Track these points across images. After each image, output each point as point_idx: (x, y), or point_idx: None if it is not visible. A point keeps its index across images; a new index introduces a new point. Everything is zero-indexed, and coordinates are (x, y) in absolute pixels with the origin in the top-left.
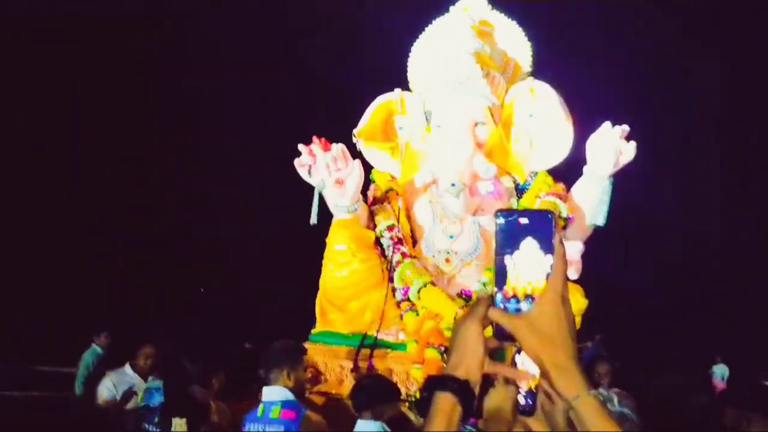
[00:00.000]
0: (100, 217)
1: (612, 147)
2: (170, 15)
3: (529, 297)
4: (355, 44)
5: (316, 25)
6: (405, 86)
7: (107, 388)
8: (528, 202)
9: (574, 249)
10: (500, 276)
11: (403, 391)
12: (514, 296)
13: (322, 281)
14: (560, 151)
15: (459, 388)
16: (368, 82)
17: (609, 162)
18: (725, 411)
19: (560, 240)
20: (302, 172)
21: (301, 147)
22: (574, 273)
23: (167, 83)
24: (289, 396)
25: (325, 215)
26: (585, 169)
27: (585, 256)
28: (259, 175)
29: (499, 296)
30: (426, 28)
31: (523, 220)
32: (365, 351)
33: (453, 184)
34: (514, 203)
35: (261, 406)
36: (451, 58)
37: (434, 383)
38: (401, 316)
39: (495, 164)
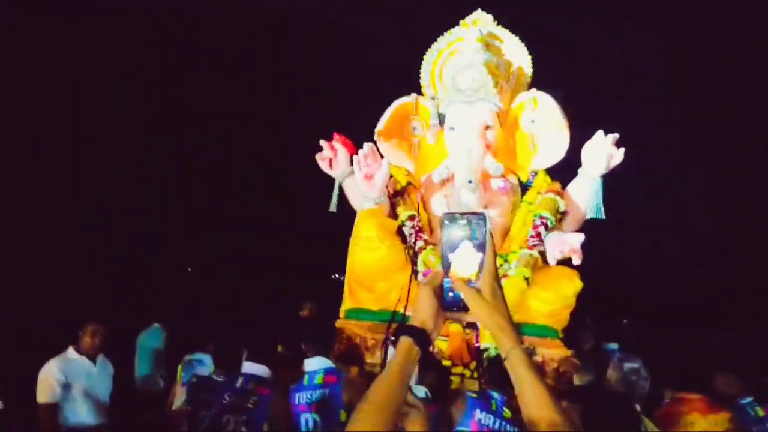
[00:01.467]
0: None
1: (604, 152)
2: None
3: (469, 281)
4: (374, 53)
5: (345, 35)
6: (418, 90)
7: (54, 376)
8: (531, 197)
9: (576, 239)
10: (446, 267)
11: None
12: (459, 281)
13: (351, 264)
14: (558, 153)
15: (415, 333)
16: (385, 85)
17: (601, 165)
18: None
19: (491, 234)
20: (323, 165)
21: (322, 143)
22: (577, 259)
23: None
24: (329, 363)
25: (343, 204)
26: (580, 170)
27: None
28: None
29: (446, 280)
30: (438, 39)
31: (463, 220)
32: (395, 325)
33: (470, 181)
34: (518, 198)
35: (306, 377)
36: (465, 69)
37: (398, 331)
38: None
39: (502, 163)
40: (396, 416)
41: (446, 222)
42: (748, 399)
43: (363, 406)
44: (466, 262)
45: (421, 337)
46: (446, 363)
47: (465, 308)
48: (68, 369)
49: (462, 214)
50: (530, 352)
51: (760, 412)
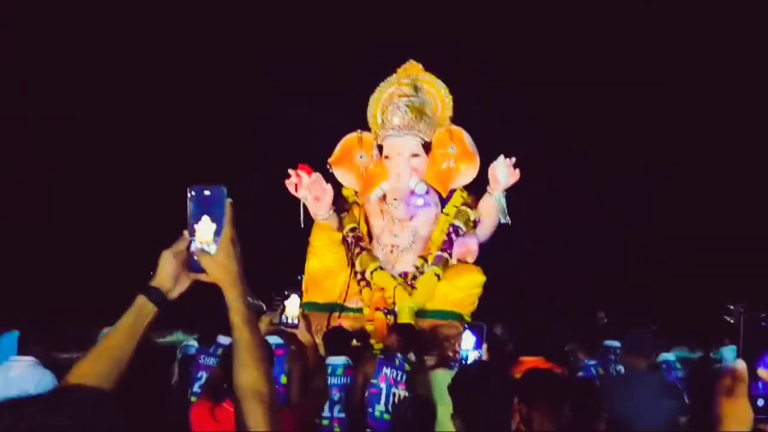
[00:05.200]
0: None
1: (504, 172)
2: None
3: (211, 245)
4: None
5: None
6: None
7: None
8: (448, 210)
9: (471, 242)
10: (191, 233)
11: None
12: (201, 247)
13: (306, 266)
14: (470, 174)
15: (151, 291)
16: (345, 121)
17: (502, 182)
18: None
19: (231, 205)
20: (291, 189)
21: (290, 171)
22: (471, 258)
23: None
24: (279, 340)
25: (308, 220)
26: (488, 187)
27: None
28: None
29: (192, 244)
30: (379, 84)
31: (207, 193)
32: (335, 314)
33: (395, 198)
34: (439, 211)
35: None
36: (397, 109)
37: (141, 291)
38: (360, 291)
39: (426, 183)
40: (119, 364)
41: (191, 194)
42: (594, 362)
43: (88, 353)
44: (206, 231)
45: (156, 296)
46: (373, 341)
47: (204, 270)
48: None
49: (204, 187)
50: (257, 308)
51: (602, 372)
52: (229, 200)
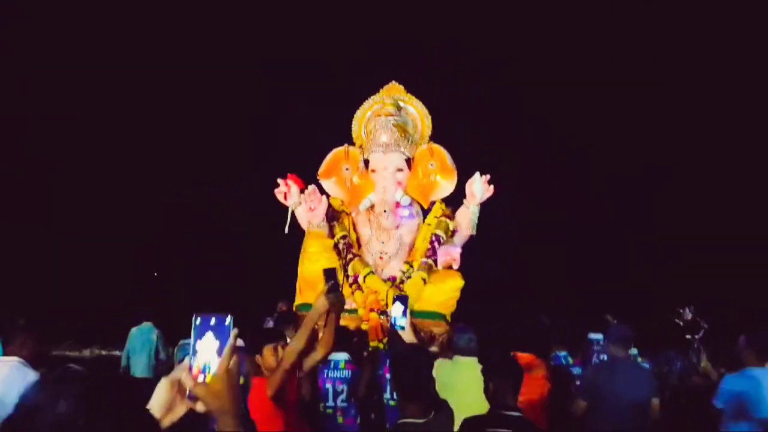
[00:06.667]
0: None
1: (479, 188)
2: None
3: (207, 366)
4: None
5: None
6: (350, 140)
7: None
8: (430, 220)
9: (455, 251)
10: (194, 358)
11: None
12: (201, 370)
13: (300, 271)
14: (448, 188)
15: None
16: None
17: (477, 197)
18: None
19: (234, 336)
20: (280, 197)
21: (279, 180)
22: (455, 265)
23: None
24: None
25: (293, 227)
26: (464, 200)
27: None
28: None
29: (193, 370)
30: (364, 103)
31: (212, 321)
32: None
33: (384, 210)
34: (421, 221)
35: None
36: (382, 128)
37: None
38: (352, 293)
39: (409, 196)
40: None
41: (197, 321)
42: (564, 352)
43: None
44: (209, 348)
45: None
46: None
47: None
48: None
49: (213, 314)
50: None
51: (571, 361)
52: (234, 330)
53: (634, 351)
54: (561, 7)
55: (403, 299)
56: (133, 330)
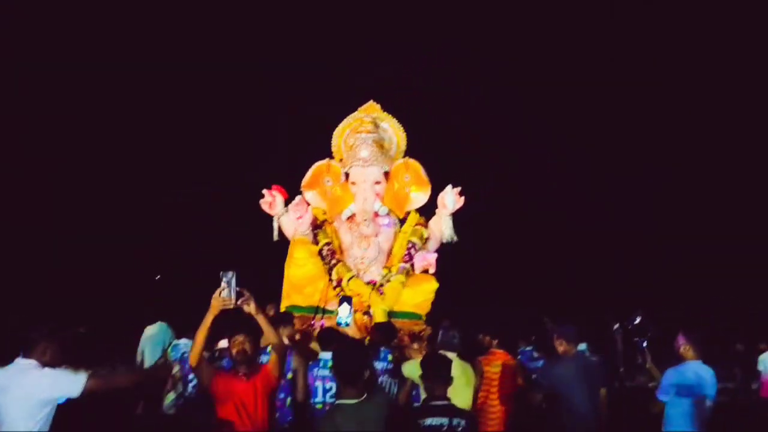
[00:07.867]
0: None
1: (451, 199)
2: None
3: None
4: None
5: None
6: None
7: None
8: (406, 228)
9: (431, 256)
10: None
11: None
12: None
13: (287, 276)
14: (422, 198)
15: None
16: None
17: (449, 207)
18: None
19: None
20: (265, 207)
21: (264, 191)
22: (431, 269)
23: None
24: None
25: (279, 236)
26: (437, 210)
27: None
28: None
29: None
30: (343, 120)
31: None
32: (318, 316)
33: (365, 219)
34: (398, 229)
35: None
36: (362, 144)
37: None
38: (337, 296)
39: (387, 206)
40: None
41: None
42: (530, 347)
43: None
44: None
45: None
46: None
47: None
48: None
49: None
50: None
51: (536, 355)
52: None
53: (583, 346)
54: (560, 7)
55: (348, 300)
56: (147, 329)
